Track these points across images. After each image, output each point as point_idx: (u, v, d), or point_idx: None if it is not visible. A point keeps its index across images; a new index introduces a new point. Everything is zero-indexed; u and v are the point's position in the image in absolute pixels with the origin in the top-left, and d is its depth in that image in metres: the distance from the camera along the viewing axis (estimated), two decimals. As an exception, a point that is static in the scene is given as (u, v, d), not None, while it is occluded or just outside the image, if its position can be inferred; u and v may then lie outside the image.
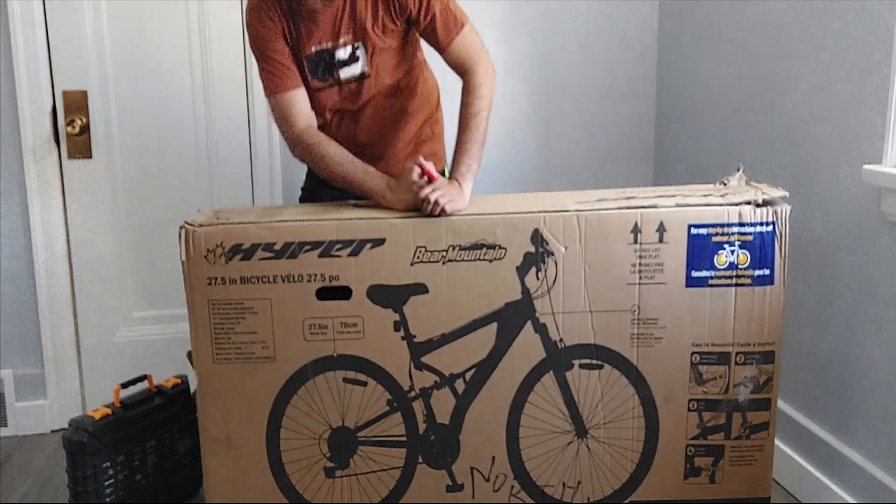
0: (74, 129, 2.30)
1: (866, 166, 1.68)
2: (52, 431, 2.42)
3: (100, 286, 2.42)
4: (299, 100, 1.74)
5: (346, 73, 1.77)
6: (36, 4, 2.22)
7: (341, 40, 1.73)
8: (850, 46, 1.75)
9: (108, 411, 1.84)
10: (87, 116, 2.31)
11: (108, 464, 1.82)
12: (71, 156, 2.33)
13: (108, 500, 1.83)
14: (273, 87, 1.73)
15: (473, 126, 1.72)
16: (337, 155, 1.72)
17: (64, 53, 2.28)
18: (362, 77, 1.78)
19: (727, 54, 2.23)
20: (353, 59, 1.75)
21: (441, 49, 1.78)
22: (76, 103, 2.30)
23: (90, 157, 2.34)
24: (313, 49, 1.74)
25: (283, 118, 1.75)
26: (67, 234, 2.37)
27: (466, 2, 2.34)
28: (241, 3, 2.32)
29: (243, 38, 2.33)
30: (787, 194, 1.68)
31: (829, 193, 1.85)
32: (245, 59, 2.39)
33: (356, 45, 1.74)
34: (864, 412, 1.80)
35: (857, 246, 1.77)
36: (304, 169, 2.45)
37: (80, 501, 1.81)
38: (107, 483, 1.82)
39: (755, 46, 2.09)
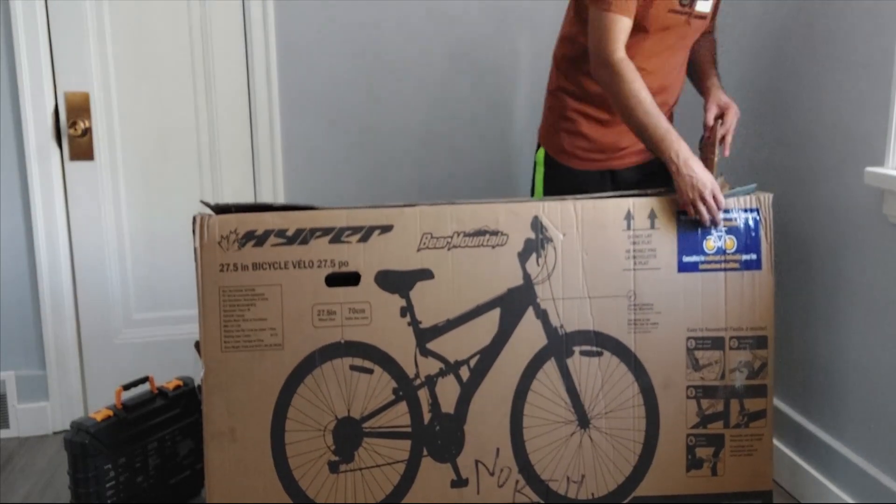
0: (76, 131, 2.24)
1: (868, 168, 1.63)
2: (54, 433, 2.33)
3: (102, 288, 2.34)
4: (626, 29, 1.61)
5: (700, 6, 1.68)
6: (38, 6, 2.17)
7: None
8: (852, 48, 1.71)
9: (110, 413, 1.78)
10: (90, 118, 2.25)
11: (110, 465, 1.75)
12: (73, 157, 2.26)
13: (109, 501, 1.74)
14: (613, 4, 1.59)
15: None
16: (647, 101, 1.59)
17: (66, 55, 2.22)
18: (704, 18, 1.71)
19: (728, 56, 2.18)
20: None
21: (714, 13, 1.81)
22: (78, 105, 2.24)
23: (92, 158, 2.27)
24: None
25: (609, 38, 1.60)
26: (69, 236, 2.30)
27: (467, 2, 2.43)
28: (243, 4, 2.32)
29: (245, 38, 2.32)
30: (755, 185, 1.71)
31: (832, 195, 1.80)
32: (247, 60, 2.34)
33: None
34: (864, 413, 1.75)
35: (859, 248, 1.73)
36: (303, 169, 2.42)
37: (81, 503, 1.72)
38: (108, 485, 1.74)
39: (757, 48, 2.08)
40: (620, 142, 1.81)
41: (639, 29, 1.66)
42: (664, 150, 1.59)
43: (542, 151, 1.90)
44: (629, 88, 1.59)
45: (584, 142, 1.82)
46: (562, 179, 1.85)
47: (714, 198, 1.59)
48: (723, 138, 1.73)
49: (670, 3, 1.66)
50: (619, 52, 1.61)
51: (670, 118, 1.82)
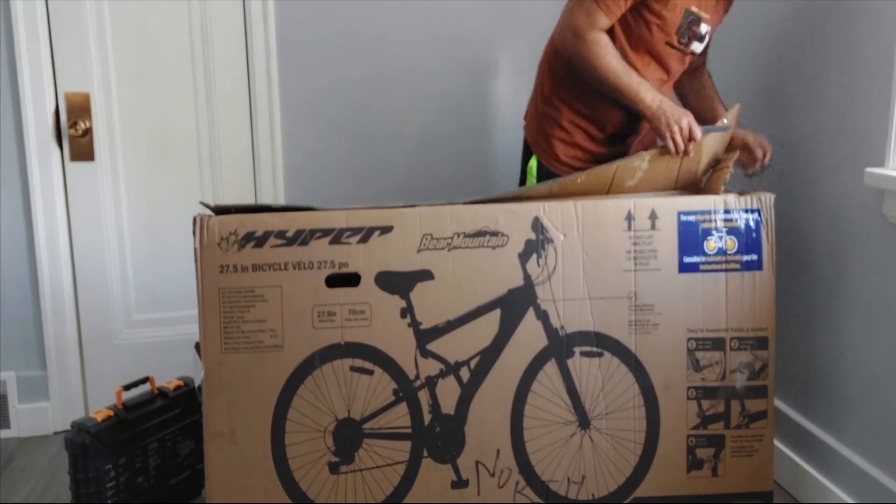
0: (77, 132, 2.23)
1: (869, 169, 1.61)
2: (55, 433, 2.31)
3: (102, 288, 2.33)
4: (604, 28, 1.69)
5: (694, 47, 1.75)
6: (39, 6, 2.15)
7: (708, 17, 1.73)
8: (852, 48, 1.71)
9: (110, 413, 1.76)
10: (90, 119, 2.24)
11: (110, 466, 1.73)
12: (73, 158, 2.25)
13: (109, 501, 1.73)
14: (603, 3, 1.67)
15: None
16: (620, 67, 1.68)
17: (66, 55, 2.20)
18: (693, 55, 1.79)
19: (729, 57, 2.18)
20: (703, 38, 1.75)
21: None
22: (79, 106, 2.22)
23: (93, 159, 2.25)
24: (693, 8, 1.70)
25: (590, 21, 1.68)
26: (70, 237, 2.29)
27: (467, 2, 2.40)
28: (243, 4, 2.30)
29: (245, 39, 2.31)
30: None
31: (832, 196, 1.79)
32: (247, 60, 2.32)
33: (709, 28, 1.75)
34: (864, 413, 1.73)
35: (860, 248, 1.72)
36: (304, 170, 2.41)
37: (81, 503, 1.71)
38: (108, 485, 1.73)
39: (757, 49, 2.07)
40: (616, 154, 1.81)
41: (638, 47, 1.73)
42: (641, 101, 1.67)
43: (534, 160, 1.88)
44: (602, 61, 1.67)
45: (579, 152, 1.81)
46: None
47: (690, 127, 1.64)
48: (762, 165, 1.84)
49: (668, 37, 1.72)
50: (597, 30, 1.68)
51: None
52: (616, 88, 1.69)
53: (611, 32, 1.72)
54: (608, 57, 1.67)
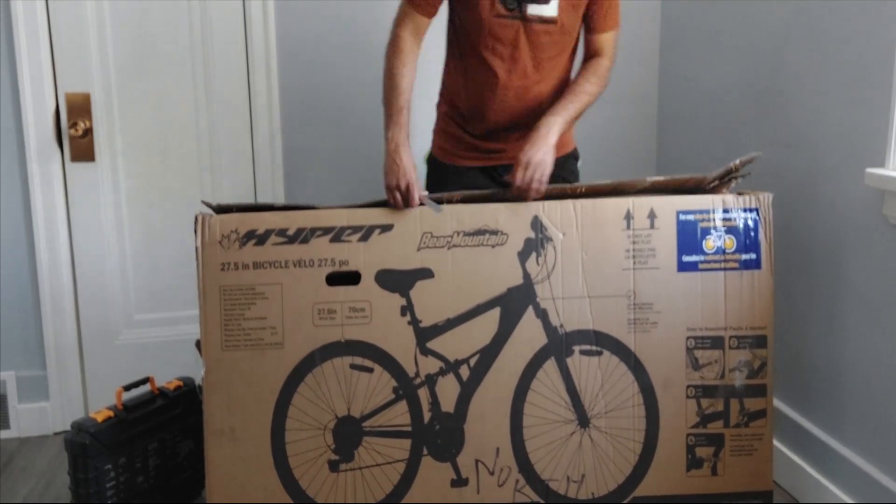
0: (77, 132, 2.23)
1: (869, 169, 1.62)
2: (55, 433, 2.31)
3: (102, 288, 2.33)
4: (418, 23, 1.72)
5: (534, 9, 1.65)
6: (39, 6, 2.16)
7: None
8: (852, 49, 1.71)
9: (110, 413, 1.77)
10: (90, 119, 2.24)
11: (110, 466, 1.73)
12: (74, 158, 2.25)
13: (109, 501, 1.73)
14: (413, 2, 1.71)
15: (583, 93, 1.70)
16: (395, 78, 1.69)
17: (67, 56, 2.21)
18: (551, 23, 1.67)
19: (729, 57, 2.18)
20: None
21: (592, 30, 1.74)
22: (79, 106, 2.23)
23: (93, 159, 2.26)
24: None
25: (399, 20, 1.74)
26: (70, 237, 2.29)
27: None
28: (243, 4, 2.31)
29: (245, 39, 2.32)
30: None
31: (832, 196, 1.79)
32: (247, 60, 2.33)
33: None
34: (864, 413, 1.74)
35: (860, 249, 1.72)
36: (303, 169, 2.43)
37: (81, 503, 1.71)
38: (108, 485, 1.73)
39: (757, 49, 2.07)
40: (494, 148, 1.82)
41: (480, 34, 1.68)
42: (387, 129, 1.68)
43: (428, 153, 1.94)
44: (388, 62, 1.71)
45: (455, 142, 1.86)
46: (446, 177, 1.85)
47: (408, 189, 1.60)
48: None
49: (495, 9, 1.65)
50: (402, 30, 1.71)
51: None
52: (384, 97, 1.70)
53: (460, 37, 1.73)
54: (393, 60, 1.69)
